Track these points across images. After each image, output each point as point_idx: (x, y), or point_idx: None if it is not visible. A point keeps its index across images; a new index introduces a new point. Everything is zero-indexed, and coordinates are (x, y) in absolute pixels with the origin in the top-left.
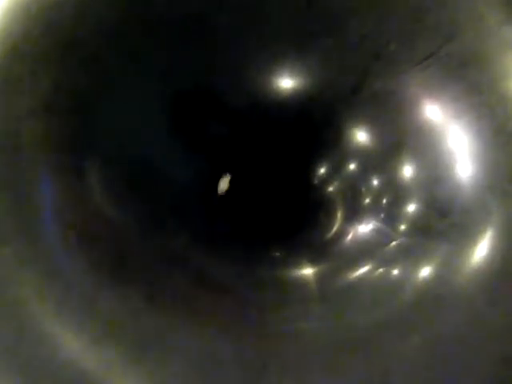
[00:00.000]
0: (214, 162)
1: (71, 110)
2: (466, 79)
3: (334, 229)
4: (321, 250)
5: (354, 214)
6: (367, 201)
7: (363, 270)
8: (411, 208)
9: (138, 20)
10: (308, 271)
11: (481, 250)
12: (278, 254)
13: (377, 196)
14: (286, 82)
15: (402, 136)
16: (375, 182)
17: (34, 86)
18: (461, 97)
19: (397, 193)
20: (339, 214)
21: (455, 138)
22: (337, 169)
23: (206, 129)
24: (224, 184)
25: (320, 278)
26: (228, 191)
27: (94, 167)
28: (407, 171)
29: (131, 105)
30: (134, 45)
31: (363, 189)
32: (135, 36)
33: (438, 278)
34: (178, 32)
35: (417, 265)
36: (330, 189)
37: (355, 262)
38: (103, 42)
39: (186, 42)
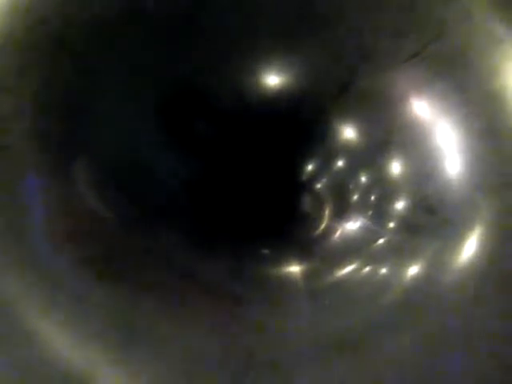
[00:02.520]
0: (201, 161)
1: (59, 109)
2: (454, 77)
3: (322, 226)
4: (308, 247)
5: (342, 211)
6: (355, 198)
7: (351, 267)
8: (399, 205)
9: (127, 19)
10: (295, 269)
11: (469, 247)
12: (265, 251)
13: (365, 193)
14: (273, 80)
15: (389, 133)
16: (363, 179)
17: (22, 85)
18: (448, 94)
19: (385, 190)
20: (327, 211)
21: (443, 136)
22: (325, 166)
23: (193, 128)
24: None
25: (308, 275)
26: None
27: (83, 167)
28: (395, 168)
29: (119, 105)
30: (123, 44)
31: (351, 186)
32: (124, 35)
33: (426, 277)
34: (165, 31)
35: (405, 263)
36: (318, 186)
37: (343, 260)
38: (92, 40)
39: (174, 42)
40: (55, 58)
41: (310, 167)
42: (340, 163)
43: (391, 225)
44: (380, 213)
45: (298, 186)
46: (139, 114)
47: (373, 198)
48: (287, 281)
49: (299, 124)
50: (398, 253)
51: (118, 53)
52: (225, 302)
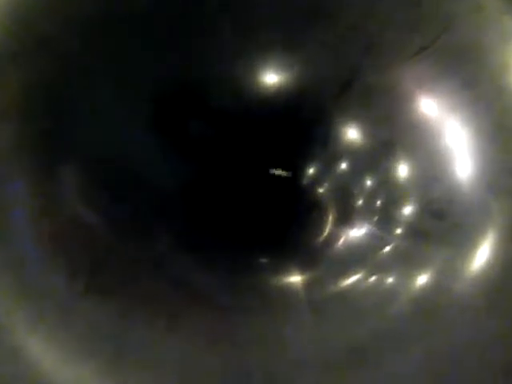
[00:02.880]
0: (197, 163)
1: (45, 110)
2: (463, 72)
3: (325, 233)
4: (310, 255)
5: (346, 216)
6: (360, 203)
7: (356, 277)
8: (407, 210)
9: (115, 16)
10: (296, 278)
11: (481, 254)
12: (264, 260)
13: (370, 197)
14: (272, 79)
15: (395, 133)
16: (368, 183)
17: (5, 87)
18: (457, 91)
19: (391, 194)
20: (330, 217)
21: (452, 135)
22: (327, 169)
23: (189, 129)
24: None
25: (309, 285)
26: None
27: (70, 170)
28: (402, 170)
29: (109, 105)
30: (115, 42)
31: (355, 190)
32: (112, 33)
33: (435, 286)
34: (158, 28)
35: (413, 271)
36: (320, 190)
37: (347, 269)
38: (77, 39)
39: (167, 39)
40: (39, 58)
41: (311, 170)
42: (343, 166)
43: (398, 231)
44: (386, 218)
45: (299, 191)
46: (131, 113)
47: (378, 202)
48: (288, 291)
49: (299, 124)
50: (406, 260)
51: (110, 52)
52: (222, 312)
